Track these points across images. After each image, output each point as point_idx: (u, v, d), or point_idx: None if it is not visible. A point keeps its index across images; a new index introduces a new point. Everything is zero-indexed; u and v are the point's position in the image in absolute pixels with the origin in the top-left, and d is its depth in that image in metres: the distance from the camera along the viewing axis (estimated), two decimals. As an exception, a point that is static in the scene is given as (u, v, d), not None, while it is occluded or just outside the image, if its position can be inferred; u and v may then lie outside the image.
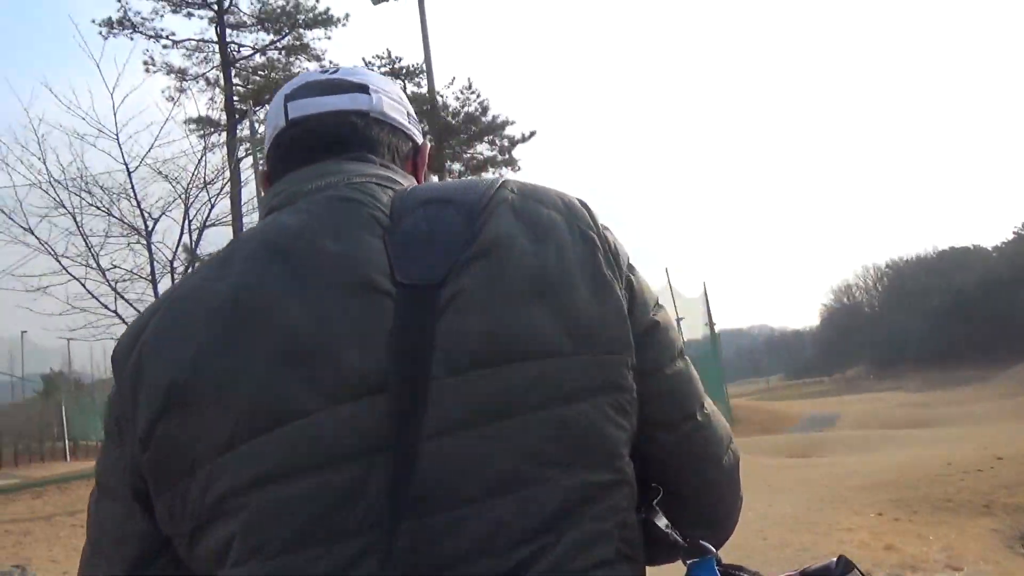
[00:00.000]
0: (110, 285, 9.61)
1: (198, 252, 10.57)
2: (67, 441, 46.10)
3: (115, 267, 9.79)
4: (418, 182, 0.90)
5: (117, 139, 9.94)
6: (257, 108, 19.59)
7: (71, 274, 9.55)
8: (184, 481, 0.68)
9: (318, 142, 0.86)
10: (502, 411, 0.68)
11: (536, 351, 0.70)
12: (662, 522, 0.78)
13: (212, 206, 10.75)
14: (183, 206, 10.24)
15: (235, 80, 19.62)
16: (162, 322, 0.74)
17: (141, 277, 9.99)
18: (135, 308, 9.79)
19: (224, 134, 16.74)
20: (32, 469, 39.33)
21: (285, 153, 0.88)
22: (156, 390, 0.69)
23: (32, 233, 9.56)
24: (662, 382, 0.79)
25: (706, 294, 25.53)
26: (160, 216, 10.09)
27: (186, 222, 10.23)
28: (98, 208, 9.77)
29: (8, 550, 7.84)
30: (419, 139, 0.96)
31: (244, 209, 14.42)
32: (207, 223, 10.59)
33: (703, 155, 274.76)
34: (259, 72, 19.84)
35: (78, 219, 9.74)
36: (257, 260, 0.74)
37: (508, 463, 0.68)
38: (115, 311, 9.80)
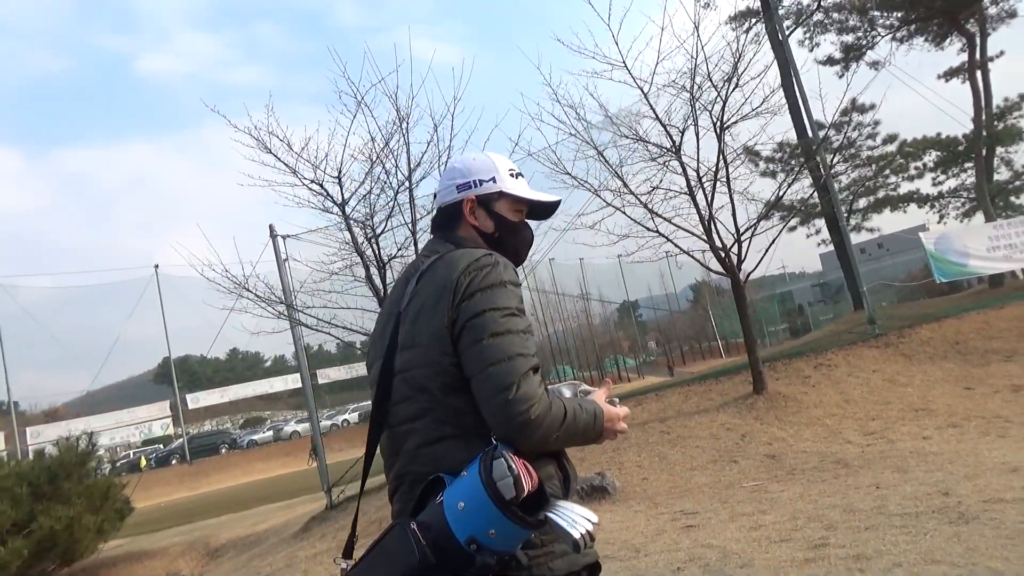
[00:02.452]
0: (646, 207, 10.18)
1: (730, 152, 10.25)
2: (719, 341, 51.83)
3: (655, 188, 10.34)
4: (470, 223, 1.76)
5: (624, 65, 10.13)
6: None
7: (612, 205, 10.46)
8: None
9: (431, 230, 1.87)
10: (404, 369, 1.58)
11: (415, 343, 1.56)
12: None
13: (746, 99, 10.41)
14: (707, 112, 10.16)
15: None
16: None
17: (680, 192, 10.31)
18: (673, 224, 10.22)
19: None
20: (696, 366, 45.58)
21: None
22: None
23: (571, 175, 10.08)
24: (468, 352, 1.49)
25: None
26: (685, 129, 10.21)
27: (718, 124, 10.08)
28: (625, 137, 10.39)
29: (607, 455, 9.17)
30: (462, 198, 1.76)
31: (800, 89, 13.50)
32: (740, 117, 10.28)
33: None
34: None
35: (604, 153, 10.26)
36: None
37: (407, 389, 1.57)
38: (656, 230, 10.28)
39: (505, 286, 1.54)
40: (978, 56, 18.08)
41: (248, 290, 8.38)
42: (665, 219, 10.25)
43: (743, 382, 10.82)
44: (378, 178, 8.51)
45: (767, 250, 10.69)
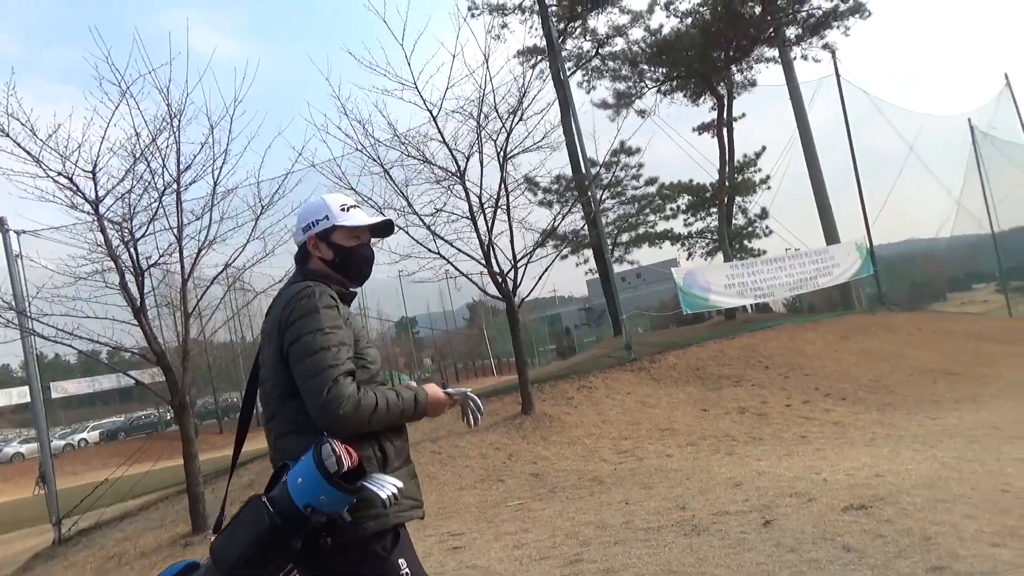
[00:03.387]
0: (428, 228, 10.39)
1: (512, 181, 10.73)
2: (491, 359, 53.01)
3: (439, 211, 10.58)
4: (317, 258, 2.23)
5: (416, 86, 10.29)
6: (574, 24, 19.27)
7: (396, 224, 10.46)
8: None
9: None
10: (261, 381, 2.12)
11: (264, 363, 2.11)
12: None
13: (528, 133, 10.95)
14: (492, 142, 10.57)
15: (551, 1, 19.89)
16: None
17: (463, 216, 10.62)
18: (454, 247, 10.54)
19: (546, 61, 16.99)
20: (469, 383, 46.14)
21: None
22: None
23: (354, 190, 10.05)
24: (294, 369, 1.95)
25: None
26: (470, 156, 10.53)
27: (502, 154, 10.50)
28: (412, 157, 10.50)
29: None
30: (305, 237, 2.22)
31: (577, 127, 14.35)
32: (522, 150, 10.77)
33: None
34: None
35: (391, 171, 10.17)
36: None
37: (265, 397, 2.10)
38: (437, 252, 10.45)
39: (317, 311, 1.98)
40: (725, 115, 20.59)
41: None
42: (447, 241, 10.45)
43: (513, 402, 11.27)
44: (141, 177, 7.77)
45: (541, 276, 11.29)
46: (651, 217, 22.41)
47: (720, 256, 20.71)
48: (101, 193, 7.59)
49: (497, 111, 10.18)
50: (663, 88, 20.59)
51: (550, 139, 10.84)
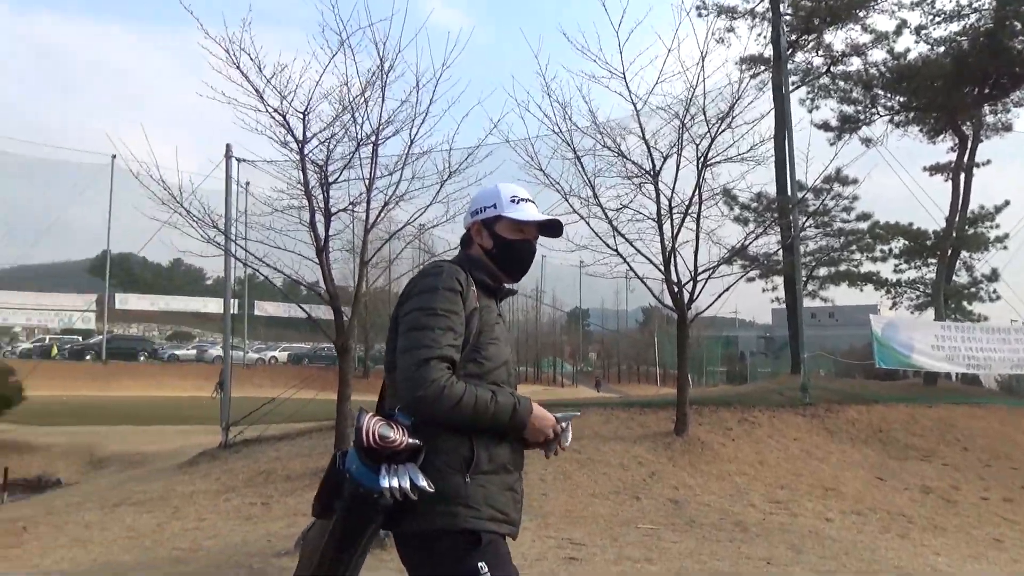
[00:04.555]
0: (611, 224, 9.97)
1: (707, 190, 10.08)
2: (657, 368, 52.26)
3: (624, 207, 10.12)
4: (478, 244, 2.20)
5: (624, 77, 9.69)
6: (807, 37, 18.01)
7: (578, 213, 10.21)
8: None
9: None
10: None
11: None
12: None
13: (734, 142, 10.24)
14: (693, 145, 9.97)
15: (785, 10, 18.60)
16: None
17: (648, 217, 10.12)
18: (634, 247, 10.03)
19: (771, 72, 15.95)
20: (628, 387, 45.64)
21: None
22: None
23: (543, 171, 9.82)
24: (398, 341, 1.95)
25: None
26: (668, 156, 9.99)
27: (702, 160, 9.88)
28: (607, 148, 10.13)
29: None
30: (470, 222, 2.22)
31: (790, 145, 13.38)
32: (725, 158, 10.09)
33: None
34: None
35: (583, 159, 9.84)
36: None
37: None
38: (615, 250, 10.02)
39: (436, 290, 1.95)
40: (966, 159, 18.26)
41: (181, 205, 7.84)
42: (627, 240, 10.02)
43: (667, 418, 10.68)
44: (345, 125, 8.05)
45: (720, 295, 10.58)
46: (856, 255, 20.39)
47: (931, 313, 18.52)
48: (308, 135, 7.96)
49: (705, 114, 9.55)
50: (896, 118, 18.62)
51: (757, 152, 10.04)
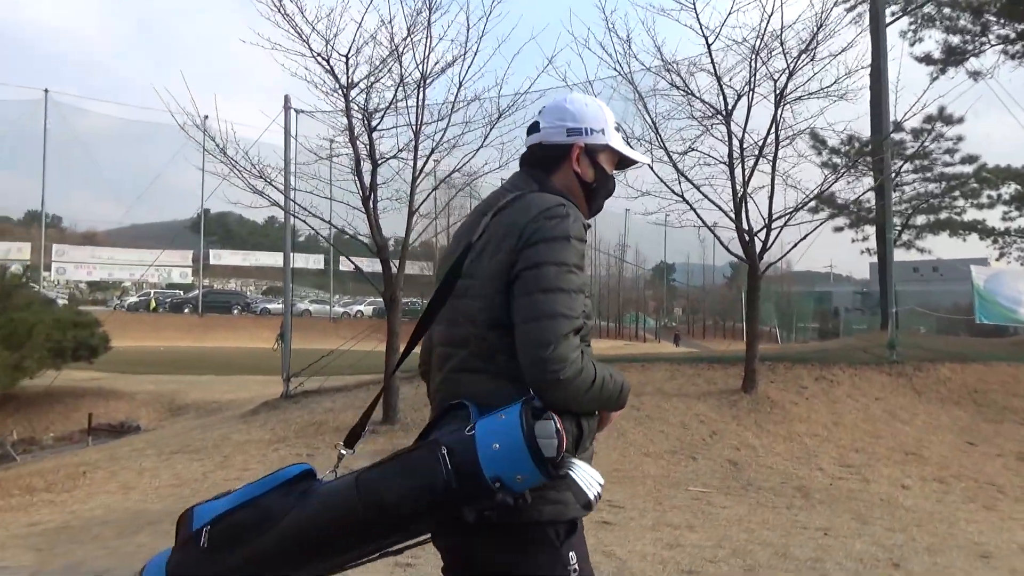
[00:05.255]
0: (676, 168, 9.27)
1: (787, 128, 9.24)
2: (744, 323, 51.01)
3: (692, 150, 9.42)
4: (573, 169, 1.76)
5: (694, 7, 9.15)
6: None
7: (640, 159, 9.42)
8: None
9: (520, 161, 1.83)
10: (460, 295, 1.64)
11: (475, 275, 1.64)
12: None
13: (815, 74, 9.33)
14: (770, 81, 9.12)
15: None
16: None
17: (720, 161, 9.38)
18: (701, 192, 9.33)
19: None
20: (712, 342, 44.89)
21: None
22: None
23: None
24: (519, 299, 1.55)
25: None
26: (742, 95, 9.19)
27: (777, 95, 9.05)
28: (675, 87, 9.42)
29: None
30: (572, 142, 1.74)
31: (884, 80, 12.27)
32: (806, 94, 9.20)
33: None
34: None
35: (646, 100, 9.26)
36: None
37: (457, 314, 1.66)
38: (681, 196, 9.44)
39: (569, 240, 1.58)
40: (1096, 93, 16.36)
41: (225, 154, 7.74)
42: (695, 186, 9.35)
43: (737, 375, 10.09)
44: (390, 68, 7.72)
45: (795, 244, 9.81)
46: (960, 202, 18.75)
47: (1044, 263, 16.90)
48: (352, 79, 7.69)
49: (783, 45, 8.70)
50: (1011, 48, 16.74)
51: (841, 86, 9.11)
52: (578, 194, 1.76)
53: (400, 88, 7.89)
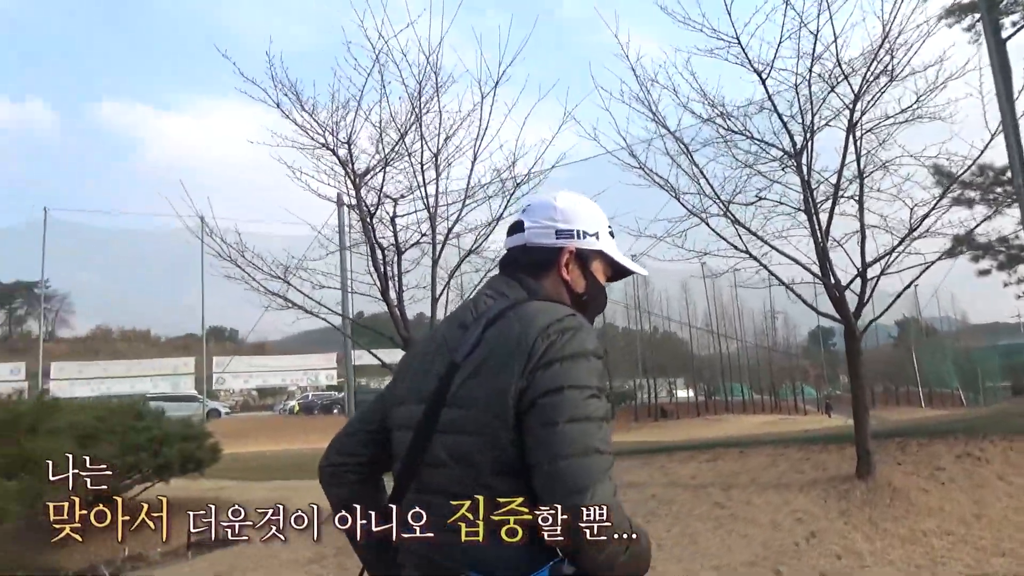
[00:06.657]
0: (736, 222, 7.91)
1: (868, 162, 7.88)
2: (920, 387, 46.19)
3: (761, 199, 8.15)
4: (562, 276, 1.50)
5: (738, 40, 8.04)
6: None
7: (693, 212, 8.23)
8: None
9: (500, 266, 1.57)
10: (448, 430, 1.35)
11: (468, 403, 1.35)
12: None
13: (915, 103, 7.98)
14: (846, 111, 7.84)
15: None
16: None
17: (796, 209, 8.06)
18: (770, 245, 7.94)
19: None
20: (887, 411, 40.47)
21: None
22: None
23: (644, 169, 8.21)
24: (539, 432, 1.29)
25: None
26: (815, 130, 7.94)
27: (850, 134, 7.76)
28: (734, 132, 8.26)
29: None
30: (562, 246, 1.50)
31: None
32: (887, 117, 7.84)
33: None
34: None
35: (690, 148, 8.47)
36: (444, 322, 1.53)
37: (446, 454, 1.36)
38: (747, 251, 8.12)
39: (588, 358, 1.33)
40: None
41: (241, 255, 7.52)
42: (765, 242, 8.05)
43: (853, 456, 8.42)
44: (398, 151, 7.32)
45: (900, 294, 8.25)
46: None
47: None
48: (358, 168, 7.34)
49: (841, 66, 7.47)
50: None
51: (933, 102, 7.69)
52: (568, 305, 1.48)
53: (420, 172, 7.48)
